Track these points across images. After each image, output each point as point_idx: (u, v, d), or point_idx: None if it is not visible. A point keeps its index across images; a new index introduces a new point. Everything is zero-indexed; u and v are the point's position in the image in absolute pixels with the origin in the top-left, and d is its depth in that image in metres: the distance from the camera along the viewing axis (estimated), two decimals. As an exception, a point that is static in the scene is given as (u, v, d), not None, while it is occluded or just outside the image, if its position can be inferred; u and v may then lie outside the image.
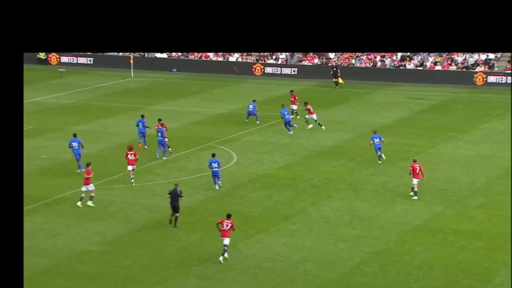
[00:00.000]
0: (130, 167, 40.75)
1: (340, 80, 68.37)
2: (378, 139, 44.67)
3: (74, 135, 43.84)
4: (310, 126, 51.86)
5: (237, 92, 66.33)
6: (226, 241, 31.58)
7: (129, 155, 41.02)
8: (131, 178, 40.73)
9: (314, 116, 51.88)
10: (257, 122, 53.11)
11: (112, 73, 73.09)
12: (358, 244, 33.24)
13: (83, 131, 51.00)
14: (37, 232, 34.08)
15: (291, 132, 50.59)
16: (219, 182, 40.32)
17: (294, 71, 72.94)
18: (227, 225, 31.68)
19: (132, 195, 39.34)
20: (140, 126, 47.39)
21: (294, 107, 55.03)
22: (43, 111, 57.36)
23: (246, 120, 53.64)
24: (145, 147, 46.97)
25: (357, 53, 74.03)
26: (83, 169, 40.95)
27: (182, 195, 35.25)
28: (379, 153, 44.79)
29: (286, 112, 51.32)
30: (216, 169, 40.06)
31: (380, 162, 44.62)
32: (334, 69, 69.34)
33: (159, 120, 46.64)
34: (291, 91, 56.75)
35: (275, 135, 50.91)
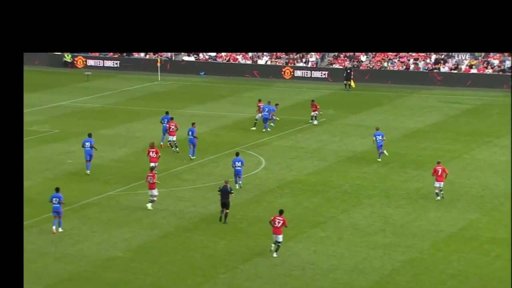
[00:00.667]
0: (152, 164, 40.54)
1: (352, 83, 67.51)
2: (380, 136, 44.92)
3: (89, 135, 43.54)
4: (316, 122, 52.78)
5: (266, 96, 65.53)
6: (279, 238, 31.83)
7: (151, 152, 41.36)
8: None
9: (314, 114, 52.32)
10: (272, 124, 52.34)
11: (139, 76, 72.70)
12: (390, 252, 32.43)
13: (110, 135, 50.54)
14: (63, 237, 33.57)
15: (269, 129, 51.18)
16: (240, 182, 40.21)
17: (324, 74, 72.16)
18: (279, 222, 31.95)
19: (158, 200, 38.68)
20: (164, 122, 47.54)
21: (315, 114, 53.66)
22: (69, 115, 56.97)
23: (253, 128, 52.04)
24: (161, 143, 47.36)
25: (389, 55, 73.26)
26: (88, 171, 41.72)
27: (232, 191, 35.76)
28: (380, 150, 44.92)
29: (267, 108, 51.72)
30: (239, 168, 40.08)
31: (379, 160, 44.68)
32: (348, 71, 68.74)
33: (193, 124, 46.61)
34: (312, 100, 55.12)
35: (305, 140, 50.16)
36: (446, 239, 33.99)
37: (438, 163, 39.08)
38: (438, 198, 38.63)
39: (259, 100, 54.38)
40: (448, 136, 51.50)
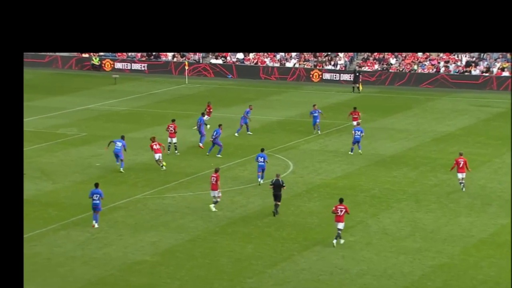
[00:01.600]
0: (157, 156, 42.85)
1: (360, 86, 67.04)
2: (359, 132, 46.07)
3: (122, 137, 44.22)
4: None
5: (294, 99, 65.37)
6: (340, 225, 32.84)
7: (154, 145, 43.08)
8: (162, 166, 43.05)
9: (354, 123, 50.57)
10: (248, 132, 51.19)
11: (166, 79, 72.68)
12: (420, 257, 31.97)
13: (137, 138, 50.47)
14: (90, 241, 33.43)
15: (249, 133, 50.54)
16: (263, 179, 40.63)
17: (353, 77, 71.75)
18: (341, 211, 32.94)
19: (185, 204, 38.51)
20: (198, 124, 48.25)
21: (355, 123, 51.56)
22: (96, 118, 56.97)
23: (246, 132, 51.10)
24: (200, 144, 47.70)
25: (419, 58, 72.74)
26: (122, 169, 42.81)
27: (284, 185, 36.49)
28: (355, 146, 46.29)
29: (247, 112, 51.33)
30: (263, 163, 40.58)
31: (351, 153, 46.18)
32: (357, 74, 68.34)
33: (220, 125, 46.99)
34: (354, 108, 53.08)
35: (333, 143, 49.74)
36: (477, 244, 33.46)
37: (461, 154, 39.41)
38: (464, 190, 39.17)
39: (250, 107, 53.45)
40: (479, 140, 50.88)
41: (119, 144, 43.56)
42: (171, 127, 46.84)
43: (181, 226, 35.46)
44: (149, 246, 33.05)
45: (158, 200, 39.07)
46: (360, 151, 46.51)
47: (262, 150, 41.89)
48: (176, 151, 46.60)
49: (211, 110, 54.13)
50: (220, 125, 47.08)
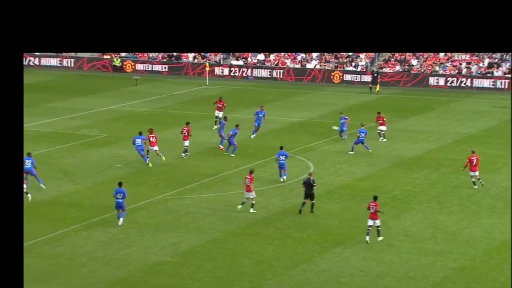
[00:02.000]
0: (155, 148, 44.44)
1: (378, 87, 66.81)
2: (363, 133, 46.61)
3: (140, 133, 44.78)
4: (385, 140, 50.08)
5: (315, 100, 65.26)
6: (376, 222, 33.44)
7: (151, 137, 44.46)
8: (161, 156, 44.57)
9: (383, 128, 50.05)
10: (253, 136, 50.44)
11: (187, 80, 72.78)
12: (441, 259, 31.82)
13: (158, 139, 50.46)
14: (111, 242, 33.52)
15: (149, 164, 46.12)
16: (285, 177, 41.13)
17: (371, 78, 71.50)
18: (373, 208, 33.49)
19: (206, 205, 38.53)
20: (221, 125, 48.53)
21: (383, 127, 50.66)
22: (118, 119, 57.13)
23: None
24: (221, 146, 47.64)
25: (441, 59, 72.38)
26: (148, 162, 43.97)
27: (315, 184, 36.91)
28: (357, 145, 46.76)
29: (261, 112, 50.76)
30: (283, 161, 40.95)
31: (352, 152, 46.67)
32: (375, 75, 68.17)
33: (237, 125, 47.06)
34: (378, 112, 51.88)
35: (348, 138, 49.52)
36: (499, 246, 33.25)
37: (473, 152, 39.41)
38: (475, 187, 39.17)
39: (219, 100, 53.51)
40: (501, 141, 50.54)
41: (138, 141, 44.33)
42: (184, 130, 46.68)
43: (202, 227, 35.48)
44: (170, 247, 33.09)
45: (179, 201, 39.12)
46: (370, 150, 46.71)
47: (282, 148, 42.23)
48: (183, 154, 46.19)
49: (224, 105, 53.95)
50: (237, 125, 47.08)
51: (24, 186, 38.24)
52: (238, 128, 46.87)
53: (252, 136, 50.74)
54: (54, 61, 77.33)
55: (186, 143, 46.52)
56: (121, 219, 35.38)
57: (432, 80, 70.04)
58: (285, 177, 41.53)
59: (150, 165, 44.19)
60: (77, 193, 40.32)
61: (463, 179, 42.39)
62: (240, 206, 37.18)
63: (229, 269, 31.00)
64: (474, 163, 39.15)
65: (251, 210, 37.05)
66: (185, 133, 46.57)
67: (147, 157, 44.65)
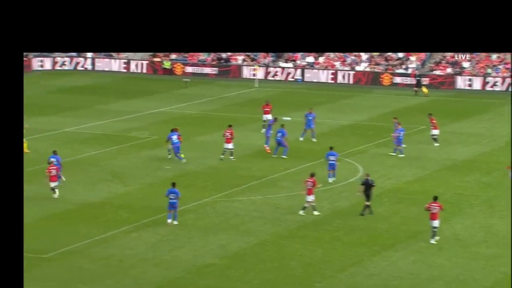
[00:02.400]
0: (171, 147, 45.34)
1: (424, 90, 66.25)
2: (400, 132, 45.61)
3: (172, 130, 45.77)
4: (436, 144, 49.43)
5: (364, 103, 64.88)
6: (434, 223, 33.23)
7: (173, 137, 45.30)
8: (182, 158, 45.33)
9: (435, 131, 49.27)
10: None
11: (236, 83, 72.90)
12: (492, 263, 31.40)
13: (207, 142, 50.72)
14: (161, 243, 33.69)
15: (184, 160, 45.82)
16: (334, 178, 41.37)
17: (425, 81, 70.94)
18: (434, 208, 33.21)
19: (254, 207, 38.53)
20: (269, 127, 48.39)
21: (436, 132, 49.74)
22: (167, 122, 57.35)
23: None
24: (265, 146, 47.53)
25: (493, 62, 71.41)
26: (182, 159, 44.75)
27: (374, 184, 36.92)
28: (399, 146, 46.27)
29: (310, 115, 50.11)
30: (333, 162, 41.32)
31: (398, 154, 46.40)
32: (418, 78, 67.53)
33: (282, 125, 47.21)
34: (430, 114, 51.01)
35: (404, 147, 49.07)
36: (552, 251, 32.67)
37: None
38: None
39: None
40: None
41: (174, 137, 45.25)
42: (227, 132, 46.59)
43: (250, 230, 35.47)
44: (218, 249, 33.14)
45: (227, 203, 39.17)
46: (402, 155, 46.55)
47: (331, 148, 42.34)
48: (231, 157, 46.19)
49: (271, 108, 53.90)
50: (282, 125, 46.97)
51: (55, 183, 39.06)
52: (284, 128, 46.76)
53: (301, 139, 50.60)
54: (106, 64, 78.07)
55: (230, 145, 46.44)
56: (169, 220, 35.60)
57: (484, 83, 69.12)
58: (334, 178, 41.44)
59: (184, 160, 45.22)
60: (127, 194, 40.61)
61: (516, 183, 41.79)
62: (302, 212, 36.95)
63: (277, 272, 30.94)
64: None
65: (315, 213, 36.82)
66: (228, 136, 46.53)
67: (180, 156, 45.28)
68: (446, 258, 32.10)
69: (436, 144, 49.31)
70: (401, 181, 42.60)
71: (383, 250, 32.91)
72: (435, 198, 33.98)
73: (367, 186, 36.93)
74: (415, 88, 67.56)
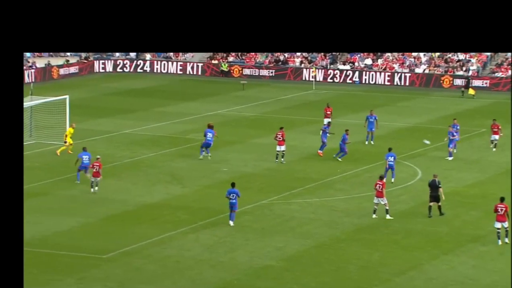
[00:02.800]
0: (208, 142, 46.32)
1: (471, 91, 65.67)
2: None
3: (209, 126, 46.82)
4: (494, 149, 48.52)
5: (423, 105, 64.23)
6: (505, 224, 33.04)
7: (208, 134, 46.32)
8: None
9: (496, 137, 48.35)
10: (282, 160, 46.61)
11: (294, 85, 72.79)
12: (555, 269, 30.65)
13: (264, 144, 50.67)
14: (218, 245, 33.72)
15: (202, 156, 46.60)
16: (393, 178, 41.37)
17: (485, 83, 69.97)
18: (501, 209, 33.06)
19: (311, 210, 38.35)
20: (326, 131, 48.09)
21: (496, 137, 48.52)
22: (224, 124, 57.53)
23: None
24: (319, 151, 47.37)
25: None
26: (207, 154, 45.91)
27: (440, 185, 36.55)
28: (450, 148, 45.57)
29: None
30: (392, 162, 41.38)
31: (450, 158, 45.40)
32: (467, 79, 66.68)
33: (346, 130, 46.78)
34: (494, 120, 49.55)
35: (463, 150, 48.47)
36: None
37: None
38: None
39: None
40: None
41: (209, 135, 46.20)
42: (279, 135, 46.49)
43: (307, 232, 35.31)
44: (275, 251, 33.05)
45: (284, 205, 39.05)
46: (450, 158, 46.04)
47: (390, 149, 42.19)
48: (283, 160, 46.03)
49: (331, 111, 53.66)
50: (346, 130, 46.67)
51: (97, 179, 40.13)
52: (347, 133, 46.43)
53: (366, 143, 50.18)
54: (164, 66, 78.67)
55: (282, 148, 46.27)
56: (231, 221, 35.72)
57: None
58: (393, 179, 41.15)
59: (210, 155, 46.23)
60: (184, 196, 40.79)
61: None
62: (374, 215, 36.60)
63: (334, 275, 30.73)
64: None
65: (388, 217, 36.48)
66: (279, 138, 46.35)
67: (203, 151, 46.45)
68: (507, 263, 31.49)
69: (494, 149, 48.41)
70: (461, 185, 42.00)
71: (443, 254, 32.47)
72: (502, 199, 33.63)
73: (433, 187, 36.70)
74: (463, 89, 66.92)
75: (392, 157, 41.57)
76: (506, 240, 33.19)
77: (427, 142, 47.30)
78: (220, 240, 34.35)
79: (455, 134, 46.94)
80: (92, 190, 40.12)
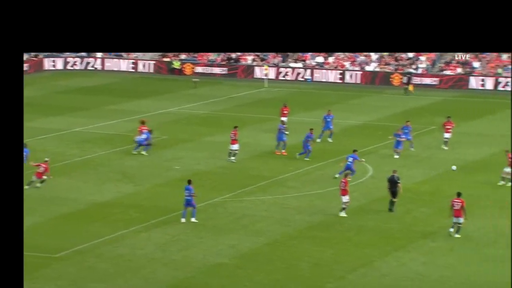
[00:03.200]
0: (137, 138, 47.12)
1: (411, 88, 66.78)
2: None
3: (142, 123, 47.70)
4: (445, 148, 48.89)
5: (373, 103, 64.76)
6: (460, 220, 33.53)
7: (144, 128, 46.98)
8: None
9: (448, 135, 48.80)
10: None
11: (246, 83, 72.85)
12: (503, 265, 31.23)
13: (216, 142, 50.65)
14: (170, 243, 33.64)
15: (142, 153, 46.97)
16: (338, 175, 41.44)
17: (435, 81, 70.84)
18: (457, 204, 33.52)
19: (263, 208, 38.45)
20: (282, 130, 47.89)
21: (448, 135, 48.96)
22: (176, 122, 57.44)
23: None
24: (277, 151, 47.35)
25: (504, 62, 71.19)
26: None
27: (399, 181, 37.04)
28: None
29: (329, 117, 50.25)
30: (350, 163, 41.71)
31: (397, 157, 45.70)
32: (408, 75, 67.50)
33: (311, 129, 46.94)
34: (448, 117, 49.58)
35: (414, 148, 48.91)
36: None
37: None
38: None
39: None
40: None
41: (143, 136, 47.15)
42: (232, 134, 46.45)
43: (260, 230, 35.40)
44: (228, 249, 33.08)
45: (237, 203, 39.09)
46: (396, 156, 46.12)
47: (354, 151, 42.48)
48: (233, 158, 45.78)
49: (288, 111, 53.78)
50: (311, 129, 46.57)
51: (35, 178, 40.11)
52: (312, 132, 46.41)
53: (318, 140, 50.28)
54: (115, 64, 78.13)
55: (235, 147, 46.25)
56: (183, 219, 35.64)
57: (494, 83, 68.90)
58: (339, 175, 41.52)
59: (145, 153, 46.54)
60: (136, 194, 40.59)
61: (527, 184, 41.61)
62: (343, 213, 36.72)
63: (287, 272, 30.85)
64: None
65: (342, 214, 36.66)
66: (232, 137, 46.37)
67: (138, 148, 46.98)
68: (457, 259, 31.96)
69: (445, 148, 48.94)
70: (411, 182, 42.43)
71: (394, 251, 32.79)
72: (459, 194, 34.10)
73: (392, 182, 37.07)
74: (405, 86, 67.86)
75: (352, 158, 41.78)
76: (457, 235, 33.67)
77: (454, 168, 43.66)
78: (173, 238, 34.27)
79: (402, 136, 47.26)
80: (29, 186, 39.59)
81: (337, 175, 41.75)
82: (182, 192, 36.41)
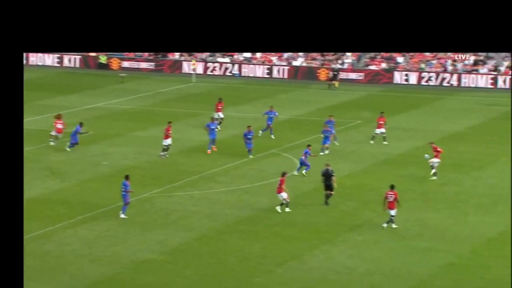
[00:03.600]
0: (60, 135, 47.70)
1: (336, 84, 68.12)
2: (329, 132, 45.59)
3: (81, 124, 47.45)
4: (386, 142, 49.37)
5: (301, 97, 65.31)
6: (392, 212, 34.21)
7: (57, 124, 47.68)
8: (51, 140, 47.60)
9: (378, 131, 49.39)
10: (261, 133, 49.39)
11: (174, 78, 72.65)
12: (428, 256, 31.93)
13: (144, 137, 50.46)
14: (98, 240, 33.44)
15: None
16: (304, 171, 42.23)
17: (360, 76, 71.75)
18: (390, 197, 34.25)
19: (192, 203, 38.50)
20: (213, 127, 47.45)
21: (381, 130, 48.95)
22: (104, 117, 56.99)
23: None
24: (213, 147, 47.19)
25: (427, 57, 72.58)
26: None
27: (333, 174, 37.53)
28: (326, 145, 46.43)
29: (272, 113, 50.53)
30: (303, 157, 42.44)
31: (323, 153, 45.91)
32: (335, 72, 68.70)
33: (308, 145, 45.40)
34: (382, 112, 49.73)
35: (340, 142, 49.56)
36: (485, 243, 33.40)
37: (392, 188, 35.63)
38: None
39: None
40: (488, 139, 50.71)
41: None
42: (165, 129, 46.24)
43: (189, 225, 35.45)
44: (157, 245, 33.05)
45: (165, 198, 39.05)
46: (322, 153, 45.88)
47: (308, 145, 43.02)
48: (163, 153, 45.72)
49: (222, 106, 53.79)
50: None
51: None
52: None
53: (260, 133, 50.24)
54: (39, 59, 77.01)
55: (168, 141, 46.15)
56: (121, 213, 35.82)
57: (418, 78, 70.19)
58: (304, 172, 42.41)
59: (68, 149, 46.41)
60: (64, 190, 40.21)
61: (450, 177, 42.58)
62: (278, 207, 36.82)
63: (216, 267, 30.99)
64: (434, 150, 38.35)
65: (287, 209, 36.80)
66: (165, 132, 46.18)
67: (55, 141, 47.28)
68: (382, 251, 32.51)
69: (385, 143, 49.47)
70: (338, 176, 42.69)
71: (322, 244, 33.20)
72: (392, 187, 34.75)
73: (327, 176, 37.60)
74: (331, 82, 68.75)
75: (305, 153, 42.24)
76: (393, 225, 34.41)
77: (427, 156, 44.25)
78: (101, 234, 34.08)
79: (329, 132, 47.65)
80: None
81: (295, 172, 42.03)
82: (110, 187, 36.26)
